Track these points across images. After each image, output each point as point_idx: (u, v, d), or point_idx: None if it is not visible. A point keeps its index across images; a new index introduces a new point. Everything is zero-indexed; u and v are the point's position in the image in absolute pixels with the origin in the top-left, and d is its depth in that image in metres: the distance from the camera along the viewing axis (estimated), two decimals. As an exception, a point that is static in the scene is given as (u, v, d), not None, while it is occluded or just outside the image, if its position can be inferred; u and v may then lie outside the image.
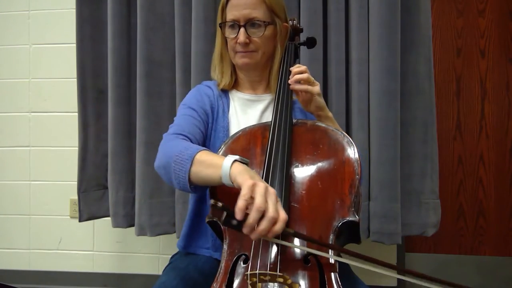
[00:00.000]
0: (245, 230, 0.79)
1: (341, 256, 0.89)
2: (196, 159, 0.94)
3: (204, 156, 0.95)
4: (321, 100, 1.14)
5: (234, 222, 0.80)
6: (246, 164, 0.91)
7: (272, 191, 0.81)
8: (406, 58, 1.74)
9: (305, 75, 1.11)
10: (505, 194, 2.17)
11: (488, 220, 2.17)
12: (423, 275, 0.84)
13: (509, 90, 2.16)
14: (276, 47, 1.22)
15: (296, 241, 0.89)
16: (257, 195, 0.79)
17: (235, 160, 0.89)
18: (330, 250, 0.87)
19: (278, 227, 0.79)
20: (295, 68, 1.13)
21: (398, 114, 1.71)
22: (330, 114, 1.16)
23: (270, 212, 0.78)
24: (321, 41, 1.74)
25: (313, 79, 1.12)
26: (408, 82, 1.75)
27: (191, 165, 0.94)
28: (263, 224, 0.78)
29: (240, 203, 0.78)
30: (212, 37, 1.75)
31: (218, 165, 0.89)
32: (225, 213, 0.79)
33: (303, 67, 1.12)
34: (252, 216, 0.77)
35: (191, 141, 1.07)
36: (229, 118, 1.21)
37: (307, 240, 0.88)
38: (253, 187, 0.80)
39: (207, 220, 0.92)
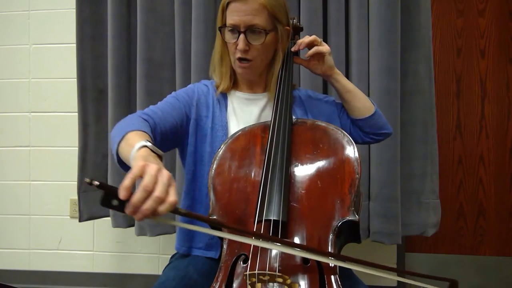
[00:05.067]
0: (128, 210, 0.73)
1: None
2: (127, 136, 0.93)
3: (132, 135, 0.93)
4: (331, 59, 1.18)
5: (115, 202, 0.73)
6: (160, 156, 0.89)
7: (165, 172, 0.76)
8: (406, 58, 1.74)
9: (311, 37, 1.16)
10: (505, 194, 2.17)
11: (488, 220, 2.17)
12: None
13: (509, 90, 2.16)
14: (277, 50, 1.20)
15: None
16: (147, 174, 0.73)
17: (145, 146, 0.87)
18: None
19: (163, 207, 0.73)
20: (299, 40, 1.18)
21: (398, 114, 1.71)
22: (339, 71, 1.21)
23: (157, 192, 0.72)
24: (321, 41, 1.74)
25: (320, 39, 1.17)
26: (408, 82, 1.75)
27: (121, 140, 0.94)
28: (147, 203, 0.72)
29: (126, 181, 0.73)
30: (212, 37, 1.75)
31: (132, 145, 0.88)
32: (103, 192, 0.73)
33: (313, 36, 1.17)
34: (137, 195, 0.72)
35: (152, 126, 1.06)
36: (228, 117, 1.21)
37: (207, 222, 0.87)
38: (143, 167, 0.75)
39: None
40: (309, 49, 1.18)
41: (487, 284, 2.13)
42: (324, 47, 1.17)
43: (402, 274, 0.84)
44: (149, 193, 0.72)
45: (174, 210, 0.76)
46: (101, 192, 0.73)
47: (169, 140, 1.13)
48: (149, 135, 0.97)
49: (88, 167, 1.95)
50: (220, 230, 0.89)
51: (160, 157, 0.88)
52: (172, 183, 0.76)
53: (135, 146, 0.86)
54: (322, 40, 1.19)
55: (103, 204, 0.73)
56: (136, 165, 0.75)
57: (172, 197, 0.74)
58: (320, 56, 1.17)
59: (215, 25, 1.71)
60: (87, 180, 0.71)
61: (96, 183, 0.71)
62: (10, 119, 2.24)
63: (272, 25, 1.15)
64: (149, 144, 0.87)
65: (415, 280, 0.87)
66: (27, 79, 2.22)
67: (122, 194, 0.72)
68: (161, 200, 0.72)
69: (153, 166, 0.75)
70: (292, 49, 1.20)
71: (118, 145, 0.94)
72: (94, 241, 2.21)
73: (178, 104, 1.17)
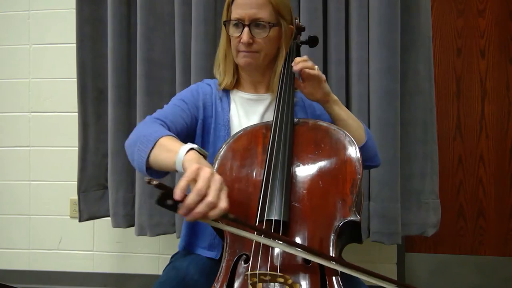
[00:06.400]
0: (181, 211, 0.77)
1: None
2: (159, 142, 0.95)
3: (166, 141, 0.95)
4: (326, 85, 1.14)
5: (169, 202, 0.77)
6: (204, 156, 0.90)
7: (218, 178, 0.80)
8: (406, 58, 1.74)
9: (310, 63, 1.11)
10: (505, 194, 2.17)
11: (488, 220, 2.17)
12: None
13: (509, 90, 2.16)
14: (280, 48, 1.21)
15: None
16: (201, 178, 0.77)
17: (192, 149, 0.89)
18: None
19: (215, 213, 0.77)
20: (298, 59, 1.12)
21: (398, 114, 1.71)
22: (336, 97, 1.17)
23: (210, 197, 0.76)
24: (321, 41, 1.74)
25: (316, 67, 1.13)
26: (408, 82, 1.75)
27: (152, 147, 0.94)
28: (200, 207, 0.76)
29: (182, 182, 0.76)
30: (212, 37, 1.76)
31: (175, 150, 0.89)
32: (161, 192, 0.76)
33: (305, 57, 1.13)
34: (191, 197, 0.76)
35: (169, 129, 1.07)
36: (230, 117, 1.21)
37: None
38: (198, 171, 0.78)
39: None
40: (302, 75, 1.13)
41: (487, 284, 2.13)
42: (321, 74, 1.12)
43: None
44: (202, 196, 0.76)
45: (224, 216, 0.79)
46: (158, 192, 0.76)
47: None
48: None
49: (88, 167, 1.95)
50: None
51: (205, 157, 0.90)
52: (224, 188, 0.80)
53: (179, 150, 0.88)
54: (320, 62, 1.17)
55: (159, 203, 0.77)
56: (190, 168, 0.79)
57: (223, 203, 0.78)
58: (316, 82, 1.12)
59: (215, 25, 1.72)
60: (146, 179, 0.75)
61: (155, 182, 0.75)
62: (10, 119, 2.24)
63: (276, 20, 1.16)
64: (195, 146, 0.90)
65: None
66: (27, 79, 2.22)
67: (177, 195, 0.76)
68: (213, 205, 0.76)
69: (206, 170, 0.79)
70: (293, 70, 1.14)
71: (150, 151, 0.94)
72: (94, 241, 2.21)
73: (186, 107, 1.18)
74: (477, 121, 2.17)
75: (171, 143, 0.94)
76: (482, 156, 2.17)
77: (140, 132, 1.02)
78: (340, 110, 1.16)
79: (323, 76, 1.12)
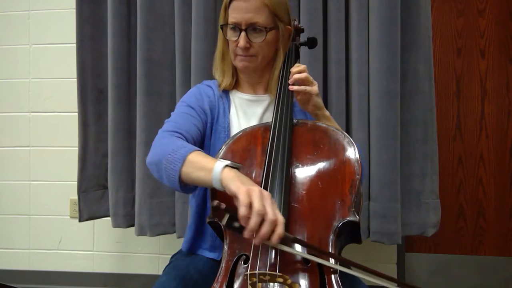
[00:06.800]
0: (247, 234, 0.81)
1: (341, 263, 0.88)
2: (188, 160, 0.94)
3: (196, 158, 0.94)
4: (318, 100, 1.13)
5: (236, 224, 0.81)
6: (238, 168, 0.91)
7: (266, 194, 0.83)
8: (406, 58, 1.74)
9: (303, 75, 1.10)
10: (505, 194, 2.17)
11: (488, 220, 2.17)
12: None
13: (509, 90, 2.16)
14: (278, 50, 1.21)
15: (298, 247, 0.89)
16: (255, 199, 0.80)
17: (226, 165, 0.89)
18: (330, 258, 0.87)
19: (280, 229, 0.80)
20: (294, 68, 1.12)
21: (398, 114, 1.71)
22: (327, 113, 1.16)
23: (270, 215, 0.79)
24: (321, 41, 1.74)
25: (311, 79, 1.12)
26: (408, 82, 1.75)
27: (182, 165, 0.94)
28: (265, 228, 0.79)
29: (243, 210, 0.79)
30: (212, 37, 1.76)
31: (209, 168, 0.89)
32: (227, 215, 0.81)
33: (302, 67, 1.12)
34: (254, 220, 0.79)
35: (187, 140, 1.07)
36: (230, 118, 1.21)
37: (307, 247, 0.89)
38: (249, 192, 0.81)
39: (208, 220, 0.93)
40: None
41: (487, 284, 2.13)
42: (313, 88, 1.11)
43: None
44: (262, 216, 0.80)
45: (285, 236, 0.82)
46: (227, 216, 0.83)
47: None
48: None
49: (88, 167, 1.95)
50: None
51: (238, 169, 0.92)
52: (274, 202, 0.84)
53: (213, 168, 0.89)
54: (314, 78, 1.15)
55: (228, 226, 0.84)
56: (240, 191, 0.81)
57: (280, 216, 0.82)
58: (307, 95, 1.12)
59: (215, 25, 1.72)
60: (216, 203, 0.82)
61: (223, 206, 0.81)
62: (10, 119, 2.24)
63: (273, 23, 1.16)
64: (228, 162, 0.90)
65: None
66: (27, 79, 2.22)
67: (243, 222, 0.81)
68: (275, 222, 0.80)
69: (256, 190, 0.82)
70: (290, 82, 1.14)
71: (180, 170, 0.94)
72: (94, 241, 2.21)
73: (195, 113, 1.17)
74: (477, 121, 2.17)
75: (201, 159, 0.94)
76: (482, 156, 2.17)
77: (162, 150, 1.00)
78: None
79: (314, 91, 1.11)
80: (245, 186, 0.82)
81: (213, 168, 0.89)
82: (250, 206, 0.80)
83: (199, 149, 0.99)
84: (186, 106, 1.19)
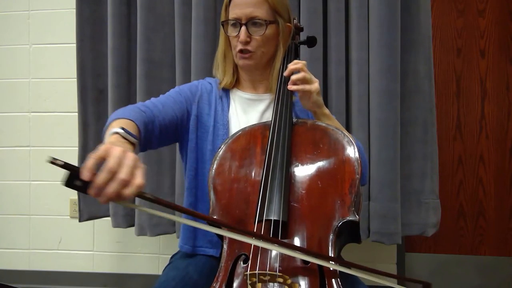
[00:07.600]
0: (91, 191, 0.71)
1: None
2: (111, 124, 0.95)
3: (115, 124, 0.94)
4: (318, 98, 1.12)
5: (78, 183, 0.72)
6: (132, 143, 0.89)
7: (132, 156, 0.74)
8: (406, 58, 1.74)
9: (300, 75, 1.08)
10: (505, 194, 2.17)
11: (488, 220, 2.17)
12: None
13: (509, 90, 2.16)
14: (278, 46, 1.21)
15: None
16: (111, 156, 0.72)
17: (116, 132, 0.88)
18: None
19: (128, 191, 0.71)
20: (291, 65, 1.10)
21: (398, 114, 1.71)
22: (327, 111, 1.15)
23: (121, 174, 0.70)
24: (321, 41, 1.74)
25: (310, 76, 1.09)
26: (408, 82, 1.75)
27: (107, 128, 0.95)
28: (111, 186, 0.70)
29: (88, 161, 0.71)
30: (212, 37, 1.76)
31: (108, 133, 0.90)
32: (68, 173, 0.71)
33: (299, 64, 1.09)
34: (100, 176, 0.70)
35: (149, 116, 1.08)
36: (230, 117, 1.22)
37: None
38: (108, 149, 0.73)
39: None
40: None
41: (487, 284, 2.13)
42: (313, 86, 1.08)
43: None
44: (113, 174, 0.70)
45: (140, 194, 0.73)
46: (66, 172, 0.71)
47: (169, 134, 1.16)
48: (137, 125, 0.98)
49: (88, 167, 1.95)
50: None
51: (133, 145, 0.89)
52: (139, 165, 0.74)
53: (108, 132, 0.89)
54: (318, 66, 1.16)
55: (67, 184, 0.72)
56: (100, 147, 0.74)
57: (138, 180, 0.72)
58: (306, 93, 1.10)
59: (215, 25, 1.72)
60: (51, 158, 0.69)
61: (60, 162, 0.70)
62: (10, 119, 2.24)
63: (272, 18, 1.17)
64: (120, 131, 0.88)
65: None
66: (27, 79, 2.22)
67: (84, 175, 0.70)
68: (126, 183, 0.71)
69: (117, 148, 0.73)
70: (285, 74, 1.13)
71: (105, 132, 0.94)
72: (94, 241, 2.21)
73: (179, 99, 1.20)
74: (477, 121, 2.17)
75: (114, 124, 0.93)
76: (482, 156, 2.17)
77: (114, 113, 1.03)
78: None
79: (313, 88, 1.08)
80: (109, 145, 0.75)
81: (108, 132, 0.89)
82: (102, 161, 0.73)
83: (131, 119, 0.98)
84: (176, 91, 1.23)
